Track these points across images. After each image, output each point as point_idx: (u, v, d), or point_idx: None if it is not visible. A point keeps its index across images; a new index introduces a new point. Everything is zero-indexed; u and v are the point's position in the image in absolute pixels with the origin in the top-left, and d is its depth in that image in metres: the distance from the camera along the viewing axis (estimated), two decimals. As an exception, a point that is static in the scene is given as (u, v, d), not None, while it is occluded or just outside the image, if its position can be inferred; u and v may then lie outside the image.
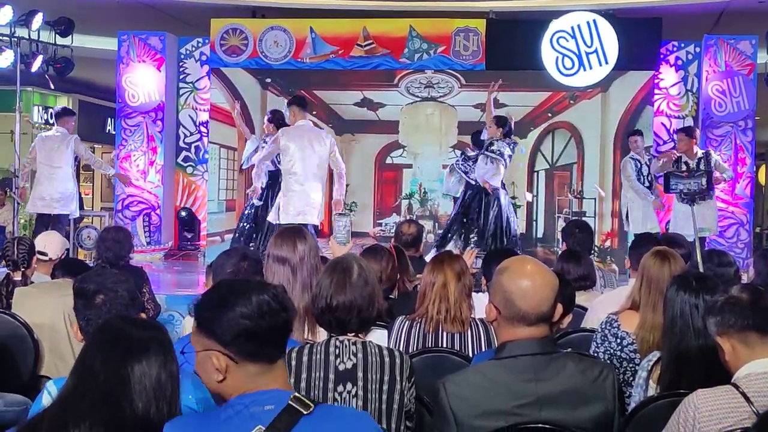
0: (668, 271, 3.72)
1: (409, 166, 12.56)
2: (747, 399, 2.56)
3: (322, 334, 3.30)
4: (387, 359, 2.96)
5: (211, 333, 2.15)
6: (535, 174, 12.23)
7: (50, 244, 5.70)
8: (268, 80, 12.43)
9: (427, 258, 5.72)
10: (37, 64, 11.16)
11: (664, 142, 11.64)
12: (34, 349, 4.31)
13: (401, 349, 3.85)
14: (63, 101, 16.43)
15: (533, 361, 2.58)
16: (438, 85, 12.20)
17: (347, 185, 12.32)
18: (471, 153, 10.49)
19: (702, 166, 9.24)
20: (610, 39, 11.36)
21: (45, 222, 9.57)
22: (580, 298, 4.71)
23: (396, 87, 12.28)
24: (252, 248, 8.95)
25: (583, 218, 10.92)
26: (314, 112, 12.43)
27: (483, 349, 3.86)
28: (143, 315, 3.04)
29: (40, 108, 15.95)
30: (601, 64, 11.43)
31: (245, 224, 10.10)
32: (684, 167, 9.17)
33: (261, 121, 10.98)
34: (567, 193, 12.12)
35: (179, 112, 12.86)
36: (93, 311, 2.94)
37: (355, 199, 12.42)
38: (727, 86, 11.52)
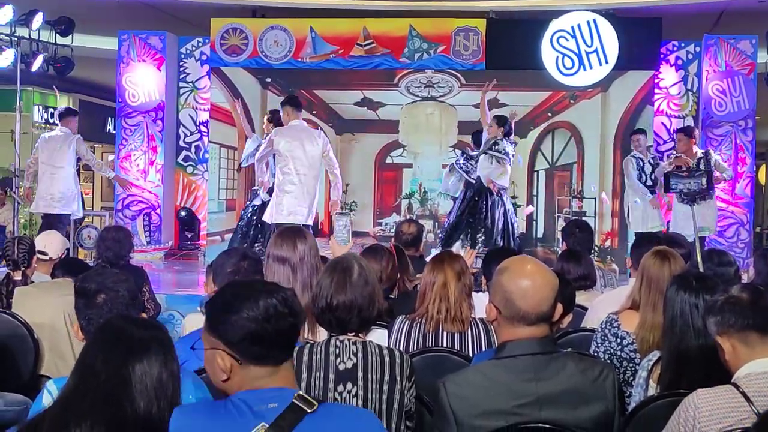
0: (668, 270, 3.72)
1: (409, 166, 12.57)
2: (747, 399, 2.56)
3: (322, 334, 3.31)
4: (387, 359, 2.96)
5: (217, 333, 2.18)
6: (535, 174, 12.23)
7: (50, 243, 5.70)
8: (269, 80, 12.43)
9: (428, 258, 5.72)
10: (37, 64, 11.17)
11: (665, 142, 11.64)
12: (34, 349, 4.31)
13: (401, 348, 3.85)
14: (63, 101, 16.43)
15: (533, 360, 2.58)
16: (438, 85, 12.20)
17: (347, 185, 12.41)
18: (473, 152, 10.50)
19: (702, 166, 9.24)
20: (610, 39, 11.36)
21: (51, 221, 9.60)
22: (581, 297, 4.72)
23: (396, 86, 12.28)
24: (257, 248, 8.98)
25: (583, 218, 10.92)
26: (314, 112, 12.46)
27: (483, 349, 3.86)
28: (143, 315, 3.05)
29: (41, 108, 15.95)
30: (601, 64, 11.43)
31: (244, 226, 10.12)
32: (684, 167, 9.16)
33: (261, 121, 10.99)
34: (567, 192, 12.12)
35: (179, 112, 12.85)
36: (94, 311, 2.94)
37: (355, 198, 12.42)
38: (727, 86, 11.52)
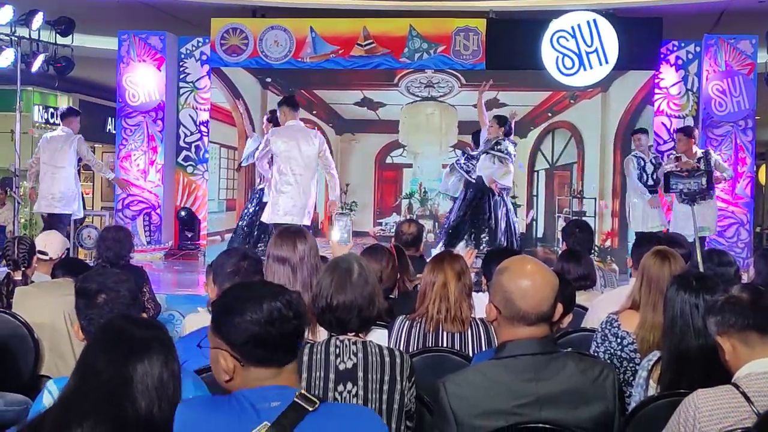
0: (668, 270, 3.72)
1: (409, 166, 12.57)
2: (747, 399, 2.56)
3: (322, 334, 3.31)
4: (387, 359, 2.96)
5: (221, 334, 2.20)
6: (535, 174, 12.23)
7: (50, 243, 5.70)
8: (269, 80, 12.43)
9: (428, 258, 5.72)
10: (37, 64, 11.16)
11: (665, 142, 11.64)
12: (34, 349, 4.31)
13: (401, 348, 3.85)
14: (63, 101, 16.44)
15: (533, 360, 2.58)
16: (438, 85, 12.20)
17: (347, 184, 12.41)
18: (473, 152, 10.49)
19: (702, 166, 9.23)
20: (610, 39, 11.36)
21: (52, 221, 9.65)
22: (581, 297, 4.72)
23: (396, 86, 12.28)
24: (261, 248, 8.98)
25: (584, 218, 10.93)
26: (314, 112, 12.46)
27: (483, 349, 3.86)
28: (144, 315, 3.05)
29: (41, 107, 15.96)
30: (601, 64, 11.43)
31: (246, 226, 10.12)
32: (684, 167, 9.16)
33: (261, 121, 10.99)
34: (567, 192, 12.12)
35: (179, 112, 12.86)
36: (95, 311, 2.94)
37: (356, 198, 12.42)
38: (728, 86, 11.52)
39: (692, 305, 3.11)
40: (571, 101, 11.99)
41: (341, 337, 3.02)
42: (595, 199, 11.91)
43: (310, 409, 2.14)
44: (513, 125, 10.43)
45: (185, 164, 12.86)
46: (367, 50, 12.06)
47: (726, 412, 2.55)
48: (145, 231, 12.49)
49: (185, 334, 3.73)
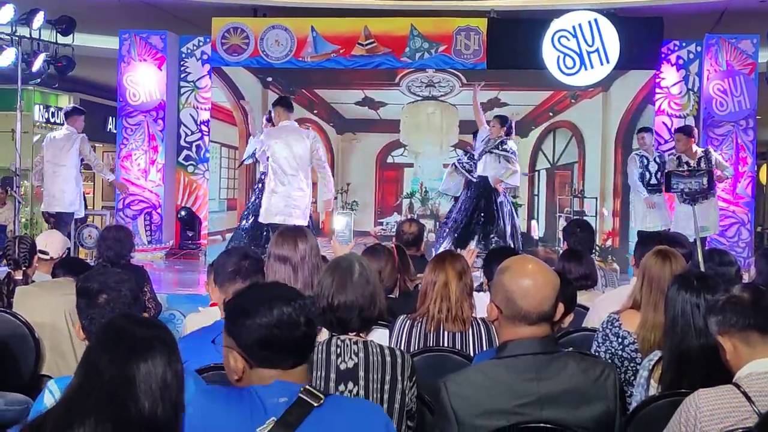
0: (669, 270, 3.71)
1: (410, 165, 12.56)
2: (748, 398, 2.55)
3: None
4: (388, 359, 2.96)
5: (231, 335, 2.24)
6: (536, 173, 12.23)
7: (51, 243, 5.70)
8: (270, 79, 12.43)
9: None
10: (38, 63, 11.16)
11: (665, 141, 11.63)
12: (35, 348, 4.30)
13: (402, 348, 3.85)
14: (64, 100, 16.44)
15: (534, 360, 2.58)
16: (439, 84, 12.19)
17: (348, 184, 12.42)
18: (475, 151, 10.48)
19: (703, 165, 9.22)
20: (611, 38, 11.35)
21: (56, 220, 9.72)
22: (582, 297, 4.72)
23: (397, 86, 12.27)
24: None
25: (584, 217, 10.92)
26: (315, 111, 12.47)
27: (484, 349, 3.86)
28: (145, 314, 3.05)
29: (41, 107, 15.96)
30: (602, 64, 11.42)
31: (250, 225, 10.13)
32: (685, 167, 9.16)
33: (261, 121, 10.98)
34: (568, 192, 12.11)
35: (180, 111, 12.86)
36: (96, 310, 2.94)
37: (356, 198, 12.42)
38: (729, 85, 11.52)
39: (693, 305, 3.11)
40: (572, 101, 11.99)
41: (342, 337, 3.02)
42: (596, 198, 11.91)
43: (315, 404, 2.17)
44: (513, 125, 10.43)
45: (186, 164, 12.86)
46: (368, 50, 12.06)
47: (727, 412, 2.55)
48: (145, 230, 12.50)
49: (186, 333, 3.73)
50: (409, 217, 11.20)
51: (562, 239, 7.40)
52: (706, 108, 11.60)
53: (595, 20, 11.41)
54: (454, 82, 12.11)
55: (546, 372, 2.57)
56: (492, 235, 9.88)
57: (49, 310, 4.38)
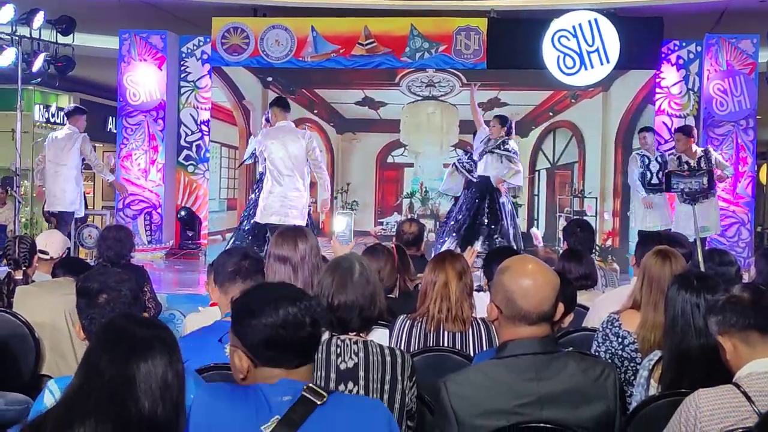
0: (669, 270, 3.71)
1: (411, 165, 12.56)
2: (748, 398, 2.55)
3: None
4: (388, 358, 2.96)
5: (237, 334, 2.25)
6: (537, 173, 12.23)
7: (51, 243, 5.70)
8: (270, 79, 12.43)
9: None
10: (38, 63, 11.16)
11: (665, 141, 11.62)
12: (35, 348, 4.30)
13: (402, 348, 3.85)
14: (64, 100, 16.44)
15: (535, 360, 2.58)
16: (439, 84, 12.19)
17: (348, 184, 12.42)
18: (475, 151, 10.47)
19: (703, 165, 9.22)
20: (611, 38, 11.35)
21: (57, 219, 9.75)
22: (582, 297, 4.72)
23: (397, 86, 12.27)
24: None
25: (585, 217, 10.92)
26: (315, 111, 12.47)
27: (484, 349, 3.86)
28: (145, 314, 3.05)
29: (41, 107, 15.96)
30: (602, 63, 11.42)
31: (253, 226, 10.11)
32: (685, 167, 9.15)
33: (260, 121, 10.98)
34: (568, 192, 12.11)
35: (180, 111, 12.86)
36: (96, 310, 2.94)
37: (357, 198, 12.42)
38: (729, 85, 11.52)
39: (693, 305, 3.11)
40: (572, 101, 11.99)
41: (342, 337, 3.02)
42: (596, 198, 11.90)
43: (319, 402, 2.18)
44: (513, 125, 10.42)
45: (186, 163, 12.86)
46: (368, 49, 12.06)
47: (727, 412, 2.55)
48: (145, 230, 12.50)
49: (186, 333, 3.73)
50: (409, 217, 11.20)
51: (562, 239, 7.40)
52: (706, 108, 11.60)
53: (595, 20, 11.41)
54: (454, 82, 12.11)
55: (546, 372, 2.57)
56: (496, 236, 9.88)
57: (49, 309, 4.38)
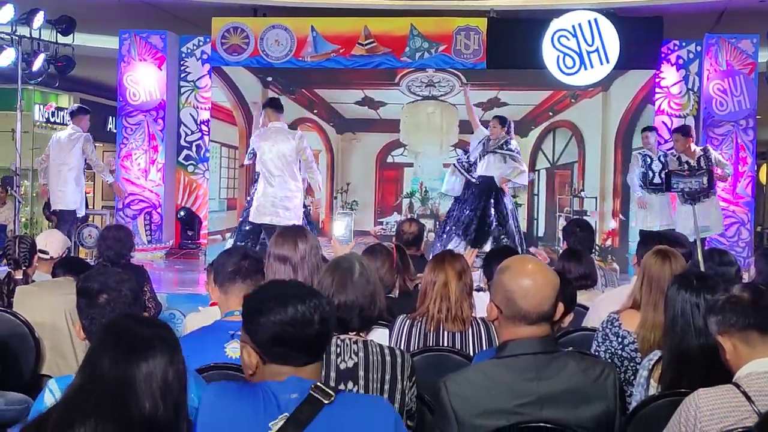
0: (669, 270, 3.72)
1: (410, 165, 12.55)
2: (748, 398, 2.56)
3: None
4: (388, 358, 2.96)
5: (247, 331, 2.27)
6: (536, 173, 12.22)
7: (51, 242, 5.70)
8: (269, 79, 12.42)
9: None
10: (38, 63, 11.17)
11: (665, 141, 11.62)
12: (35, 348, 4.31)
13: (402, 347, 3.85)
14: (64, 100, 16.44)
15: (535, 360, 2.58)
16: (439, 84, 12.19)
17: (348, 183, 12.41)
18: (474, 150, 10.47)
19: (703, 164, 9.22)
20: (611, 38, 11.35)
21: (59, 219, 9.78)
22: (581, 297, 4.72)
23: (397, 86, 12.27)
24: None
25: (584, 217, 10.92)
26: (315, 111, 12.46)
27: (484, 348, 3.86)
28: (145, 314, 3.05)
29: (41, 106, 15.96)
30: (602, 63, 11.42)
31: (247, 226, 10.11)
32: (685, 166, 9.15)
33: (258, 121, 10.98)
34: (568, 192, 12.10)
35: (180, 111, 12.86)
36: (96, 310, 2.94)
37: (356, 197, 12.42)
38: (729, 85, 11.51)
39: (693, 304, 3.11)
40: (572, 100, 11.98)
41: (342, 337, 3.02)
42: (596, 198, 11.90)
43: (326, 402, 2.19)
44: (512, 125, 10.42)
45: (186, 163, 12.86)
46: (368, 49, 12.05)
47: (727, 412, 2.55)
48: (145, 230, 12.50)
49: (186, 333, 3.73)
50: (409, 216, 11.20)
51: (561, 239, 7.40)
52: (706, 108, 11.60)
53: (595, 20, 11.41)
54: (454, 82, 12.10)
55: (546, 372, 2.57)
56: (503, 237, 9.88)
57: (50, 309, 4.38)
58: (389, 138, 12.48)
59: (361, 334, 3.10)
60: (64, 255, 5.73)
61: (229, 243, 10.41)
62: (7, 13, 10.54)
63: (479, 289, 4.55)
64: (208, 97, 12.59)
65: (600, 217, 11.81)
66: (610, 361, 3.65)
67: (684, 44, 11.92)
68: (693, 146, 9.54)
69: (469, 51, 11.87)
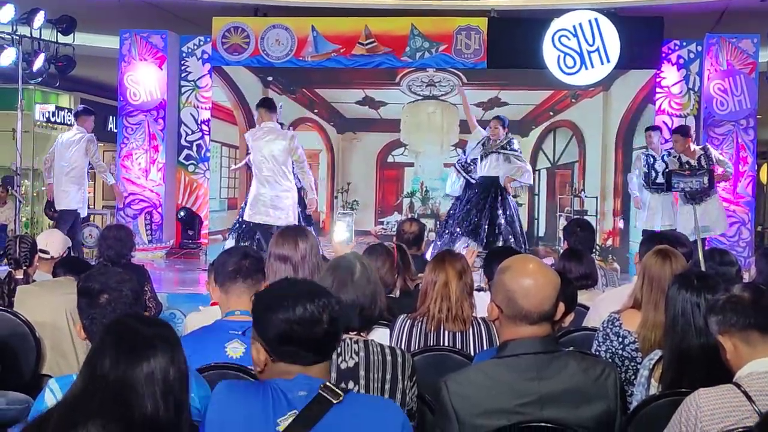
0: (670, 269, 3.72)
1: (411, 165, 12.56)
2: (749, 398, 2.56)
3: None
4: (389, 358, 2.96)
5: (256, 327, 2.29)
6: (537, 173, 12.22)
7: (52, 242, 5.70)
8: (270, 78, 12.43)
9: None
10: (38, 63, 11.17)
11: (666, 141, 11.63)
12: (35, 348, 4.31)
13: (403, 347, 3.85)
14: (65, 99, 16.44)
15: (535, 359, 2.58)
16: (440, 84, 12.19)
17: (348, 183, 12.42)
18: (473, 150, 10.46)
19: (703, 163, 9.22)
20: (611, 38, 11.35)
21: (59, 219, 9.78)
22: (582, 296, 4.72)
23: (398, 85, 12.27)
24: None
25: (585, 217, 10.92)
26: (316, 111, 12.47)
27: (484, 348, 3.86)
28: (146, 314, 3.05)
29: (42, 106, 15.96)
30: (602, 63, 11.42)
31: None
32: (686, 166, 9.15)
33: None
34: (568, 191, 12.10)
35: (181, 111, 12.86)
36: (97, 310, 2.94)
37: (357, 197, 12.42)
38: (729, 85, 11.51)
39: (694, 304, 3.11)
40: (573, 100, 11.99)
41: (343, 336, 3.01)
42: (597, 198, 11.90)
43: (335, 401, 2.19)
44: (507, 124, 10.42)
45: (186, 163, 12.86)
46: (368, 49, 12.05)
47: (727, 412, 2.55)
48: (146, 230, 12.50)
49: (186, 332, 3.73)
50: (409, 216, 11.21)
51: (562, 239, 7.39)
52: (706, 107, 11.60)
53: (596, 20, 11.41)
54: (454, 82, 12.10)
55: (547, 371, 2.57)
56: (510, 236, 9.88)
57: (50, 309, 4.39)
58: (390, 138, 12.49)
59: (361, 333, 3.10)
60: (64, 254, 5.73)
61: (230, 243, 10.41)
62: (8, 12, 10.55)
63: (480, 289, 4.55)
64: (209, 97, 12.60)
65: (601, 217, 11.80)
66: (610, 360, 3.65)
67: (684, 44, 11.92)
68: (692, 146, 9.53)
69: (470, 51, 11.88)
